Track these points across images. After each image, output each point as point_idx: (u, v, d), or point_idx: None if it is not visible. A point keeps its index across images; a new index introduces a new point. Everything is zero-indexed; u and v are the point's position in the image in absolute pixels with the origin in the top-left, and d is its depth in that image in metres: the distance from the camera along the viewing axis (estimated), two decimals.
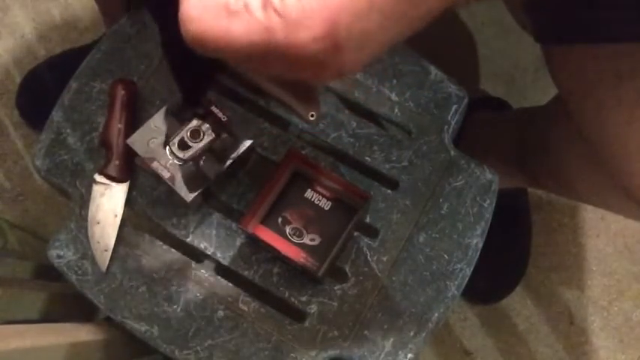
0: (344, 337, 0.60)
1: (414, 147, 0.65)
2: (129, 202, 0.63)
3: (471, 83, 1.09)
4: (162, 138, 0.58)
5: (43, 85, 1.03)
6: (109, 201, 0.62)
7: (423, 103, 0.66)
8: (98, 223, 0.62)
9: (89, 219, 0.62)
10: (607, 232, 1.07)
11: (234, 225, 0.63)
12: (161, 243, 0.63)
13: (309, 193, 0.59)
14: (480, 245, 0.62)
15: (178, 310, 0.61)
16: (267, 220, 0.58)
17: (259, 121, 0.65)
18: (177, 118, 0.58)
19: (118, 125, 0.62)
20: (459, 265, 0.62)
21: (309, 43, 0.27)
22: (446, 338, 1.03)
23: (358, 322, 0.61)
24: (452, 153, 0.65)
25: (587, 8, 0.48)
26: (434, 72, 0.67)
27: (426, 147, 0.65)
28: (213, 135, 0.55)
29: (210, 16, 0.28)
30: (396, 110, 0.66)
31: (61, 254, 0.62)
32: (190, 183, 0.58)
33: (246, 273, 0.62)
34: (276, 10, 0.27)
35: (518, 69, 1.09)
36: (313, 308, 0.61)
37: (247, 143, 0.60)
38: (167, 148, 0.58)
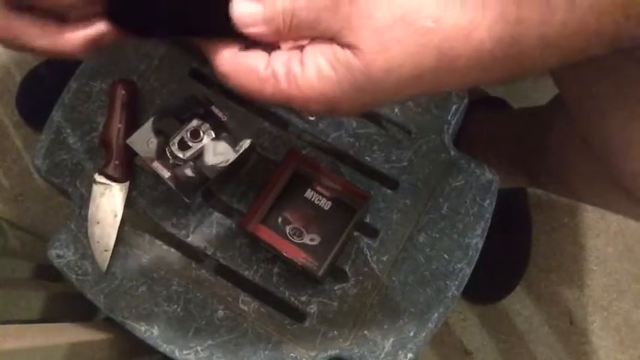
0: (344, 337, 0.60)
1: (414, 147, 0.65)
2: (129, 202, 0.63)
3: None
4: (162, 138, 0.58)
5: (43, 85, 1.03)
6: (109, 201, 0.62)
7: (423, 102, 0.66)
8: (98, 223, 0.62)
9: (89, 219, 0.62)
10: (607, 232, 1.07)
11: (234, 225, 0.63)
12: (161, 243, 0.63)
13: (309, 193, 0.59)
14: (480, 245, 0.62)
15: (178, 310, 0.61)
16: (267, 220, 0.58)
17: (259, 121, 0.65)
18: (177, 118, 0.58)
19: (118, 125, 0.62)
20: (459, 265, 0.62)
21: (317, 110, 0.35)
22: (446, 338, 1.03)
23: (358, 322, 0.61)
24: (452, 153, 0.65)
25: None
26: None
27: (426, 147, 0.65)
28: (213, 135, 0.55)
29: (243, 77, 0.34)
30: (396, 110, 0.66)
31: (61, 254, 0.62)
32: (190, 183, 0.58)
33: (246, 273, 0.62)
34: (296, 84, 0.33)
35: None
36: (313, 308, 0.61)
37: (247, 143, 0.60)
38: (167, 148, 0.58)
